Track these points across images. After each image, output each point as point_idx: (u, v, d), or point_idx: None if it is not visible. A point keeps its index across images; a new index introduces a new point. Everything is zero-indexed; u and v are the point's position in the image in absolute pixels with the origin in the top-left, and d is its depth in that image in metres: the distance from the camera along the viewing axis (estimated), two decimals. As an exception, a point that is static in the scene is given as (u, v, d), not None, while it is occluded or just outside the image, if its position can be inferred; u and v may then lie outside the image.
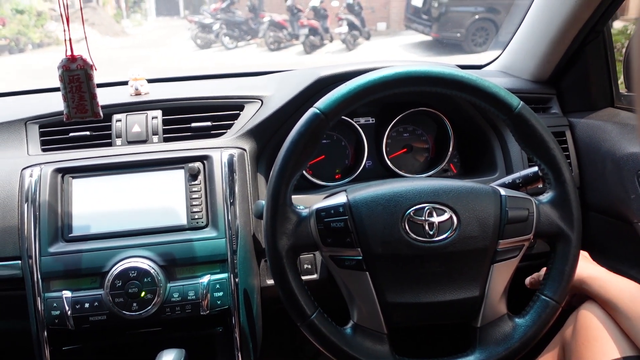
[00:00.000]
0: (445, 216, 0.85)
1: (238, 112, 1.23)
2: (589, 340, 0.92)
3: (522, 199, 0.89)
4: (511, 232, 0.87)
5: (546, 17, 1.27)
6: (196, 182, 1.11)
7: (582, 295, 1.01)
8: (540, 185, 0.98)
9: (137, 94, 1.25)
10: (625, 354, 0.89)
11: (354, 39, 10.15)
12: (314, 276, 1.15)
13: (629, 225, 1.15)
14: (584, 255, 1.04)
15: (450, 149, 1.34)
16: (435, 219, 0.85)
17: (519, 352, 0.87)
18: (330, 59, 9.61)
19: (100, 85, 0.95)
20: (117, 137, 1.18)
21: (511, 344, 0.87)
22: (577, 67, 1.33)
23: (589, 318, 0.96)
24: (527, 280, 1.09)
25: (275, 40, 10.35)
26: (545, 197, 0.90)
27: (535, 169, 0.97)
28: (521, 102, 0.87)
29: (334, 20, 10.46)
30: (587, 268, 1.00)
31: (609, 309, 0.94)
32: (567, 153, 1.29)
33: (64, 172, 1.10)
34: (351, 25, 10.03)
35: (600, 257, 1.28)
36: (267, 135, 1.21)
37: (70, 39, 0.86)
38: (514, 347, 0.87)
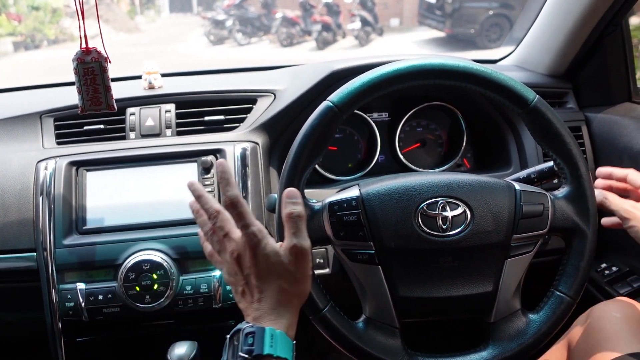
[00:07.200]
0: (459, 210, 0.85)
1: (251, 105, 1.23)
2: (600, 343, 0.91)
3: (537, 194, 0.88)
4: (525, 227, 0.86)
5: (563, 10, 1.25)
6: (209, 176, 1.11)
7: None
8: (556, 181, 0.97)
9: (151, 87, 1.26)
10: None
11: (367, 35, 10.11)
12: (326, 270, 1.15)
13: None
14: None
15: (464, 143, 1.33)
16: (449, 213, 0.84)
17: (532, 348, 0.87)
18: (343, 55, 9.59)
19: (114, 80, 0.96)
20: (130, 131, 1.19)
21: (524, 339, 0.86)
22: (594, 61, 1.31)
23: (602, 320, 0.94)
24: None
25: (287, 36, 10.34)
26: (561, 192, 0.89)
27: (551, 163, 0.96)
28: (537, 96, 0.86)
29: (347, 16, 10.42)
30: None
31: None
32: (583, 148, 1.28)
33: (79, 165, 1.11)
34: (364, 22, 9.99)
35: (616, 254, 1.27)
36: (280, 128, 1.21)
37: (85, 31, 0.87)
38: (527, 343, 0.86)
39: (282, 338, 0.68)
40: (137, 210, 1.09)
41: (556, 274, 0.89)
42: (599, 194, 0.95)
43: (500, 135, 1.30)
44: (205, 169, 1.11)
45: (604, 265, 1.26)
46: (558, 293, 0.87)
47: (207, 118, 1.20)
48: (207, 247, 0.79)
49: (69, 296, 1.02)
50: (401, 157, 1.32)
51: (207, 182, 1.10)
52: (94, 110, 0.93)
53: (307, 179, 0.85)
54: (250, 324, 0.69)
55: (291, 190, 0.75)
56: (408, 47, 10.10)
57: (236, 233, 0.72)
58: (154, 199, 1.10)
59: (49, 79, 1.55)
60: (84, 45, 0.89)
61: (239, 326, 0.69)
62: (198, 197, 0.77)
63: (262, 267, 0.71)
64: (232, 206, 0.71)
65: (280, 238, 0.84)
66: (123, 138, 1.19)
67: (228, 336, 0.70)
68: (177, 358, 0.93)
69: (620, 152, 1.19)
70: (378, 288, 0.85)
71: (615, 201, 0.94)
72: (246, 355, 0.66)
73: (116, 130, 1.19)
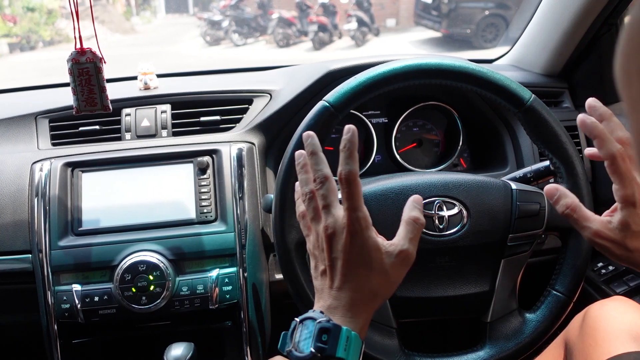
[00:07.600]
0: (455, 210, 0.85)
1: (247, 106, 1.23)
2: (597, 342, 0.91)
3: (533, 193, 0.88)
4: (522, 226, 0.86)
5: (559, 9, 1.26)
6: (205, 176, 1.11)
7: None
8: (552, 180, 0.97)
9: (146, 88, 1.25)
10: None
11: (363, 35, 10.12)
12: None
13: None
14: None
15: (460, 143, 1.33)
16: (445, 212, 0.85)
17: (529, 347, 0.87)
18: (340, 56, 9.60)
19: (109, 80, 0.95)
20: (126, 132, 1.18)
21: (521, 339, 0.86)
22: (590, 60, 1.31)
23: (599, 319, 0.94)
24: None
25: (284, 37, 10.34)
26: (557, 191, 0.89)
27: (547, 163, 0.96)
28: (533, 95, 0.86)
29: (343, 16, 10.43)
30: None
31: None
32: (579, 147, 1.28)
33: (74, 166, 1.10)
34: (360, 22, 10.00)
35: (612, 253, 1.27)
36: (276, 129, 1.20)
37: (80, 31, 0.87)
38: (524, 343, 0.86)
39: (356, 341, 0.63)
40: (132, 211, 1.08)
41: (553, 273, 0.89)
42: (565, 203, 0.74)
43: (497, 134, 1.31)
44: (201, 170, 1.11)
45: (600, 264, 1.26)
46: (555, 292, 0.87)
47: (203, 119, 1.20)
48: (300, 206, 0.72)
49: (65, 298, 1.02)
50: (397, 157, 1.31)
51: (203, 183, 1.10)
52: (89, 111, 0.93)
53: (303, 179, 0.85)
54: (325, 318, 0.63)
55: (418, 196, 0.71)
56: (404, 47, 10.12)
57: (338, 209, 0.66)
58: (150, 199, 1.09)
59: (44, 80, 1.55)
60: (78, 46, 0.89)
61: (312, 315, 0.64)
62: (311, 154, 0.69)
63: (356, 257, 0.65)
64: (346, 182, 0.65)
65: (277, 237, 0.84)
66: (119, 139, 1.18)
67: (297, 319, 0.65)
68: (174, 359, 0.92)
69: (616, 151, 1.19)
70: (375, 288, 0.85)
71: (582, 223, 0.74)
72: (316, 353, 0.61)
73: (112, 131, 1.19)
